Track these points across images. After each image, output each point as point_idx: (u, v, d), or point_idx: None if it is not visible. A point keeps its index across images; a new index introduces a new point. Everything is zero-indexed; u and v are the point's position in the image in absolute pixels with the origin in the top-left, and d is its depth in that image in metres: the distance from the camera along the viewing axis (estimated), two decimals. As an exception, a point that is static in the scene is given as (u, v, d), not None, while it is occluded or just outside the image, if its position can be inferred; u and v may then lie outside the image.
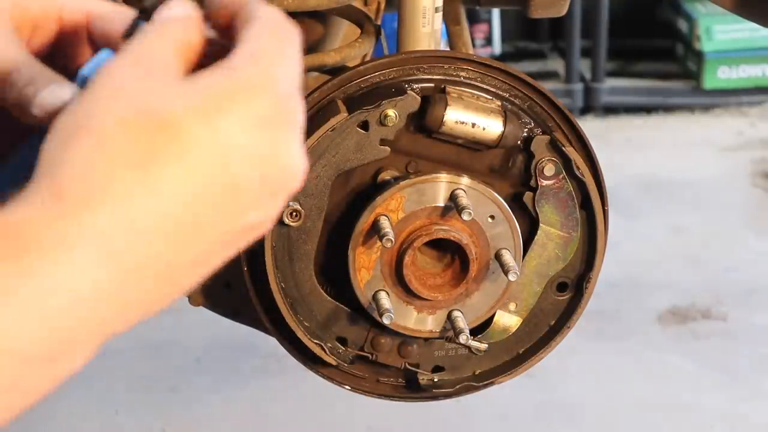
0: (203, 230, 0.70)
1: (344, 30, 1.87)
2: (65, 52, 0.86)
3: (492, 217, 1.37)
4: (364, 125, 1.35)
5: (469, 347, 1.44)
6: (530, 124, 1.38)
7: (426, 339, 1.44)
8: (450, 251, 1.39)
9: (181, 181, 0.68)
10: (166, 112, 0.68)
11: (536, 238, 1.41)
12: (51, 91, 0.78)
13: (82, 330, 0.67)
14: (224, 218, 0.71)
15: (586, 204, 1.40)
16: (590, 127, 4.39)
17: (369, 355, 1.45)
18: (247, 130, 0.70)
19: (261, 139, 0.71)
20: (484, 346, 1.44)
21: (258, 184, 0.71)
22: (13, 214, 0.67)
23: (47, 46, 0.85)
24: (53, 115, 0.76)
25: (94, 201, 0.67)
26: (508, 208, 1.38)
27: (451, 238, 1.36)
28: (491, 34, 4.95)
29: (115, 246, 0.67)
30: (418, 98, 1.35)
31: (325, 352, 1.43)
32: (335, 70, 1.57)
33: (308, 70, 1.66)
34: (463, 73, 1.38)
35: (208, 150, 0.69)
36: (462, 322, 1.39)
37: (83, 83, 0.79)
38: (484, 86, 1.38)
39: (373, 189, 1.37)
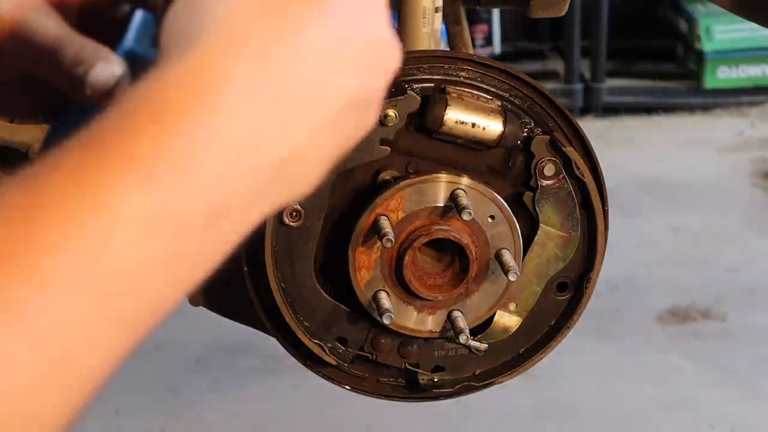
0: (336, 84, 0.71)
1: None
2: (95, 11, 0.86)
3: (492, 217, 1.37)
4: (364, 125, 1.35)
5: (469, 347, 1.44)
6: (530, 124, 1.38)
7: (426, 339, 1.44)
8: (450, 251, 1.39)
9: (312, 34, 0.69)
10: None
11: (536, 238, 1.41)
12: (101, 70, 0.78)
13: (241, 183, 0.67)
14: (351, 78, 0.72)
15: (586, 204, 1.40)
16: (590, 127, 4.39)
17: (369, 355, 1.45)
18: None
19: (378, 10, 0.74)
20: (484, 346, 1.44)
21: (374, 49, 0.74)
22: (151, 80, 0.66)
23: (77, 5, 0.85)
24: (106, 92, 0.77)
25: (234, 50, 0.67)
26: (508, 208, 1.38)
27: (451, 238, 1.36)
28: (491, 34, 4.96)
29: (260, 94, 0.67)
30: (418, 98, 1.35)
31: (325, 352, 1.43)
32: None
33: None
34: (463, 73, 1.38)
35: (337, 7, 0.71)
36: (462, 322, 1.39)
37: (128, 56, 0.79)
38: (484, 86, 1.38)
39: (373, 189, 1.37)
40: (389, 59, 0.76)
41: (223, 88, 0.66)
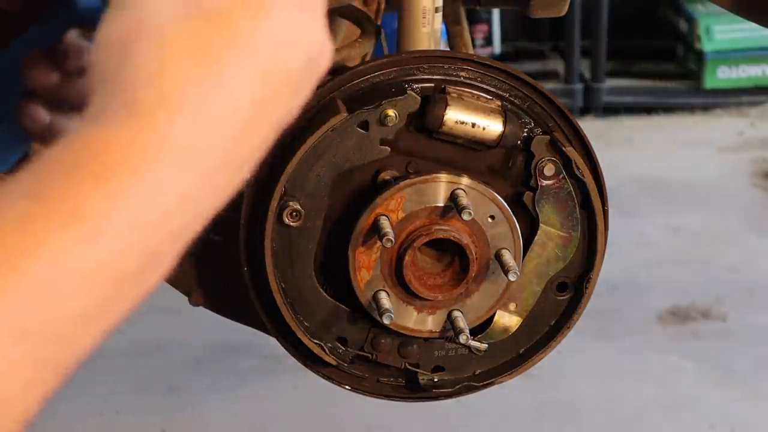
0: (267, 116, 0.72)
1: (344, 30, 1.87)
2: None
3: (492, 217, 1.37)
4: (364, 125, 1.35)
5: (469, 347, 1.44)
6: (530, 124, 1.38)
7: (426, 339, 1.44)
8: (450, 251, 1.39)
9: (243, 73, 0.70)
10: (217, 7, 0.69)
11: (536, 238, 1.41)
12: None
13: (170, 241, 0.69)
14: (283, 101, 0.73)
15: (586, 204, 1.40)
16: (590, 127, 4.39)
17: (369, 355, 1.45)
18: (288, 10, 0.72)
19: (300, 19, 0.73)
20: (484, 346, 1.44)
21: (303, 64, 0.73)
22: (90, 135, 0.67)
23: None
24: None
25: (170, 108, 0.67)
26: (508, 208, 1.38)
27: (451, 238, 1.36)
28: (491, 34, 4.95)
29: (197, 151, 0.68)
30: (418, 98, 1.35)
31: (325, 352, 1.43)
32: (335, 70, 1.57)
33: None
34: (463, 73, 1.38)
35: (260, 38, 0.70)
36: (462, 322, 1.39)
37: (86, 12, 0.79)
38: (484, 86, 1.38)
39: (373, 189, 1.37)
40: (320, 68, 0.76)
41: (164, 150, 0.67)
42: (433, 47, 1.53)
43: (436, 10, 1.52)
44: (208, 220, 0.72)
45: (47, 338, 0.64)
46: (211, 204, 0.71)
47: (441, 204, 1.36)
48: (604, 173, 1.40)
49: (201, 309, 1.62)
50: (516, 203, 1.40)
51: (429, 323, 1.41)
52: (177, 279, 1.60)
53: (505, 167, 1.39)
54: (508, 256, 1.37)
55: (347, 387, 1.48)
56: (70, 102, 1.03)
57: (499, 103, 1.37)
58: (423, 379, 1.46)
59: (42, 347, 0.64)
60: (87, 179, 0.65)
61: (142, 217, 0.66)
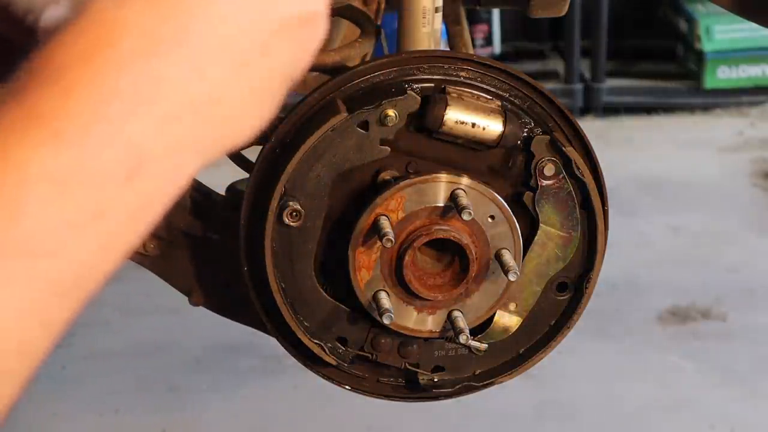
0: (248, 23, 0.69)
1: (344, 30, 1.87)
2: None
3: (492, 217, 1.37)
4: (364, 125, 1.35)
5: (469, 347, 1.44)
6: (530, 124, 1.38)
7: (426, 339, 1.44)
8: (450, 251, 1.39)
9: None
10: None
11: (536, 238, 1.41)
12: (51, 13, 0.77)
13: (158, 131, 0.65)
14: (274, 5, 0.71)
15: (586, 204, 1.40)
16: (590, 127, 4.39)
17: (369, 355, 1.45)
18: None
19: None
20: (484, 346, 1.44)
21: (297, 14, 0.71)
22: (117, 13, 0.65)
23: None
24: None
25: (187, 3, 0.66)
26: (508, 208, 1.38)
27: (451, 238, 1.36)
28: (491, 34, 4.95)
29: (165, 42, 0.66)
30: (418, 98, 1.35)
31: (325, 352, 1.43)
32: (335, 70, 1.57)
33: (308, 70, 1.65)
34: (463, 73, 1.38)
35: None
36: (462, 322, 1.39)
37: None
38: (484, 86, 1.38)
39: (373, 189, 1.37)
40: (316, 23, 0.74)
41: (119, 40, 0.64)
42: (433, 47, 1.53)
43: (436, 10, 1.52)
44: (204, 119, 0.68)
45: (33, 253, 0.60)
46: (191, 101, 0.67)
47: (441, 204, 1.36)
48: (604, 173, 1.40)
49: (201, 309, 1.62)
50: (516, 203, 1.40)
51: (429, 323, 1.41)
52: (177, 279, 1.60)
53: (505, 167, 1.39)
54: (508, 256, 1.37)
55: (347, 387, 1.48)
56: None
57: (499, 103, 1.37)
58: (423, 379, 1.46)
59: (29, 263, 0.60)
60: (42, 80, 0.63)
61: (106, 110, 0.63)
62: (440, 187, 1.36)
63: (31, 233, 0.60)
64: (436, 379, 1.47)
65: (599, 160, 1.41)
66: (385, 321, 1.36)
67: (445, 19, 1.86)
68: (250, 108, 0.70)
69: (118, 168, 0.63)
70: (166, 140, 0.66)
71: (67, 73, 0.63)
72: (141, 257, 1.58)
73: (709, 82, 4.68)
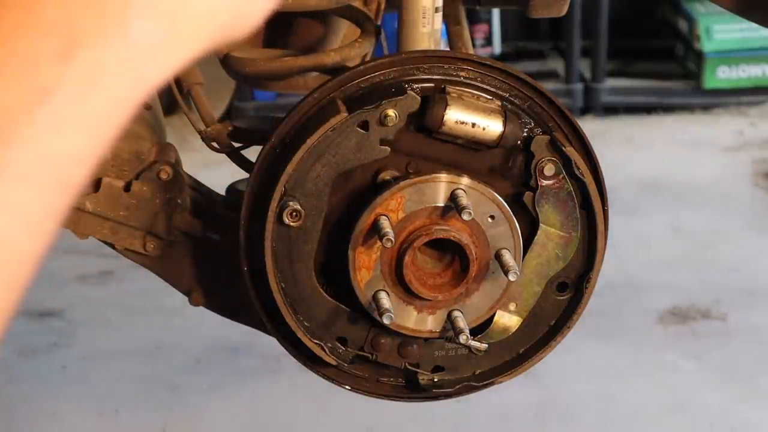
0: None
1: (344, 30, 1.87)
2: None
3: (492, 217, 1.37)
4: (364, 125, 1.35)
5: (469, 347, 1.44)
6: (530, 124, 1.38)
7: (426, 339, 1.44)
8: (450, 251, 1.39)
9: None
10: None
11: (536, 238, 1.41)
12: None
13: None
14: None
15: (586, 204, 1.40)
16: (590, 127, 4.39)
17: (369, 355, 1.45)
18: None
19: None
20: (484, 346, 1.44)
21: None
22: None
23: None
24: None
25: None
26: (508, 208, 1.38)
27: (451, 238, 1.36)
28: (491, 34, 4.96)
29: None
30: (418, 98, 1.35)
31: (325, 352, 1.43)
32: (335, 70, 1.57)
33: (308, 70, 1.66)
34: (463, 73, 1.38)
35: None
36: (462, 322, 1.39)
37: None
38: (484, 86, 1.38)
39: (373, 189, 1.37)
40: None
41: None
42: (433, 47, 1.53)
43: (436, 10, 1.52)
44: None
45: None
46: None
47: (441, 204, 1.36)
48: (604, 173, 1.40)
49: (201, 309, 1.62)
50: (516, 203, 1.40)
51: (429, 323, 1.41)
52: (177, 279, 1.60)
53: (505, 167, 1.39)
54: (508, 256, 1.37)
55: (347, 387, 1.48)
56: None
57: (499, 103, 1.37)
58: (423, 379, 1.46)
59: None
60: None
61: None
62: (440, 187, 1.36)
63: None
64: (436, 379, 1.47)
65: (599, 160, 1.41)
66: (385, 321, 1.36)
67: (445, 19, 1.86)
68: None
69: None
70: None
71: None
72: (141, 257, 1.58)
73: (709, 82, 4.68)
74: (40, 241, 0.64)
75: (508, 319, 1.45)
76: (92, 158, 0.66)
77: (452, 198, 1.35)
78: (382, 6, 1.92)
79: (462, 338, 1.38)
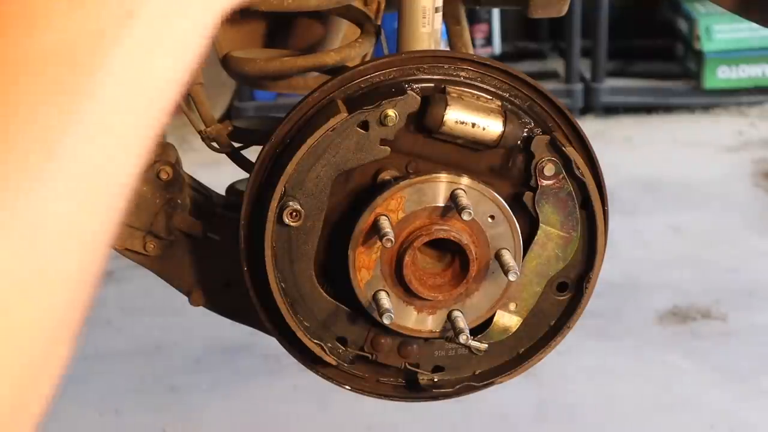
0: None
1: (344, 30, 1.87)
2: None
3: (492, 217, 1.37)
4: (364, 125, 1.35)
5: (469, 347, 1.44)
6: (530, 124, 1.38)
7: (426, 339, 1.44)
8: (450, 251, 1.39)
9: None
10: None
11: (536, 238, 1.41)
12: None
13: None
14: None
15: (586, 204, 1.40)
16: (590, 127, 4.39)
17: (369, 355, 1.45)
18: None
19: None
20: (484, 346, 1.44)
21: None
22: None
23: None
24: None
25: None
26: (508, 208, 1.38)
27: (451, 238, 1.36)
28: (491, 34, 4.96)
29: None
30: (418, 98, 1.35)
31: (325, 352, 1.43)
32: (335, 70, 1.57)
33: (308, 70, 1.66)
34: (463, 73, 1.38)
35: None
36: (462, 322, 1.39)
37: None
38: (484, 86, 1.38)
39: (373, 189, 1.37)
40: None
41: None
42: (433, 47, 1.53)
43: (436, 10, 1.52)
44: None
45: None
46: None
47: (441, 204, 1.36)
48: (604, 173, 1.40)
49: (201, 309, 1.62)
50: (516, 203, 1.40)
51: (429, 323, 1.41)
52: (177, 279, 1.60)
53: (505, 167, 1.39)
54: (508, 256, 1.37)
55: (347, 387, 1.48)
56: None
57: (499, 103, 1.37)
58: (423, 379, 1.46)
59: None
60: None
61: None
62: (440, 187, 1.36)
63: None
64: (436, 379, 1.47)
65: (599, 160, 1.41)
66: (385, 321, 1.36)
67: (445, 19, 1.86)
68: None
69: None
70: None
71: None
72: (141, 257, 1.58)
73: (709, 82, 4.68)
74: (136, 164, 0.65)
75: (508, 319, 1.45)
76: (178, 82, 0.67)
77: (452, 198, 1.35)
78: (382, 6, 1.92)
79: (462, 338, 1.38)
